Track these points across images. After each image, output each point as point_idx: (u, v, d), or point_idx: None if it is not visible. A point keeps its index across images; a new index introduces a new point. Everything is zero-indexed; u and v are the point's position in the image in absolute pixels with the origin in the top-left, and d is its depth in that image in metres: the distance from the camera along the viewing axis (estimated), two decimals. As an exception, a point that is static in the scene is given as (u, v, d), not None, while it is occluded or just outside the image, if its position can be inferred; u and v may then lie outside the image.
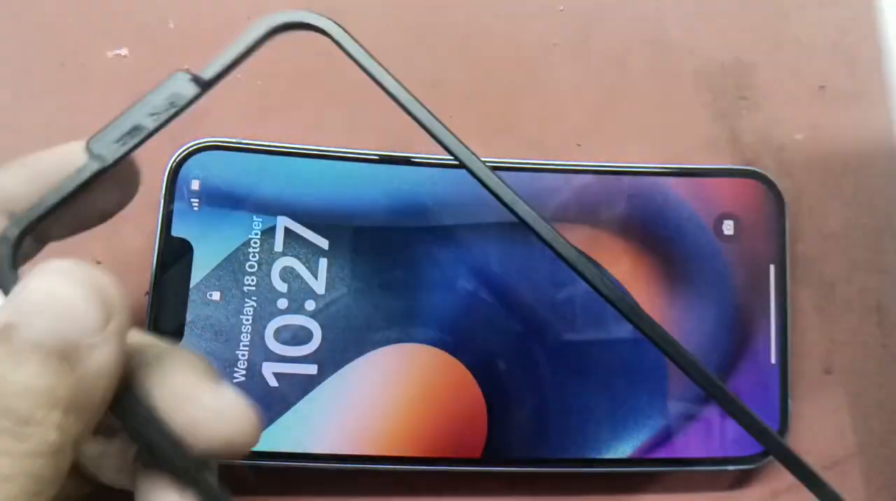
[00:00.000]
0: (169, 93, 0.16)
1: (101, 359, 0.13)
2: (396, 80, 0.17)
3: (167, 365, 0.15)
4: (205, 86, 0.17)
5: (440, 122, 0.17)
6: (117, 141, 0.16)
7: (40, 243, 0.17)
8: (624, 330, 0.25)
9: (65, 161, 0.15)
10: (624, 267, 0.25)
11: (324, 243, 0.24)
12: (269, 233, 0.24)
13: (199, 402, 0.15)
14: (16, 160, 0.16)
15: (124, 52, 0.26)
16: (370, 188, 0.24)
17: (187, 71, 0.16)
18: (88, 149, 0.16)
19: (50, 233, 0.16)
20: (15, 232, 0.15)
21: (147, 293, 0.23)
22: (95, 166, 0.16)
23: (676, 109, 0.27)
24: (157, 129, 0.16)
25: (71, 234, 0.17)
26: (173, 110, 0.16)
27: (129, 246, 0.25)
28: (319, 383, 0.23)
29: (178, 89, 0.16)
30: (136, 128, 0.16)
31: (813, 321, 0.27)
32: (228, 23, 0.26)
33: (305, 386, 0.23)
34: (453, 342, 0.24)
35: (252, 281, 0.24)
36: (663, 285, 0.25)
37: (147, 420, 0.15)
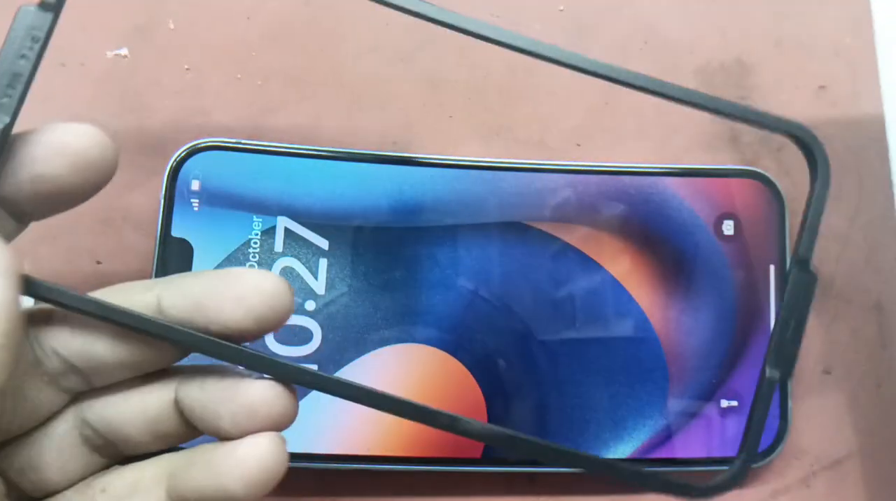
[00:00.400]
0: (24, 30, 0.15)
1: None
2: None
3: (188, 275, 0.17)
4: (56, 8, 0.16)
5: None
6: (3, 95, 0.15)
7: (21, 223, 0.17)
8: (624, 329, 0.25)
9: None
10: (624, 267, 0.25)
11: (324, 243, 0.24)
12: (269, 233, 0.24)
13: (238, 278, 0.16)
14: None
15: (124, 52, 0.26)
16: (370, 188, 0.24)
17: (30, 2, 0.16)
18: None
19: (25, 212, 0.16)
20: None
21: (147, 293, 0.23)
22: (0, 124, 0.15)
23: (676, 109, 0.27)
24: (34, 70, 0.15)
25: (43, 214, 0.17)
26: (38, 44, 0.15)
27: (129, 246, 0.25)
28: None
29: (31, 22, 0.15)
30: (14, 76, 0.15)
31: (813, 321, 0.27)
32: (228, 23, 0.26)
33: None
34: (453, 342, 0.24)
35: (252, 281, 0.24)
36: (663, 285, 0.25)
37: (191, 333, 0.16)
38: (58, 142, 0.16)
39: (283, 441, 0.17)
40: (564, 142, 0.27)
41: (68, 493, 0.17)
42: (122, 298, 0.16)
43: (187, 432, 0.17)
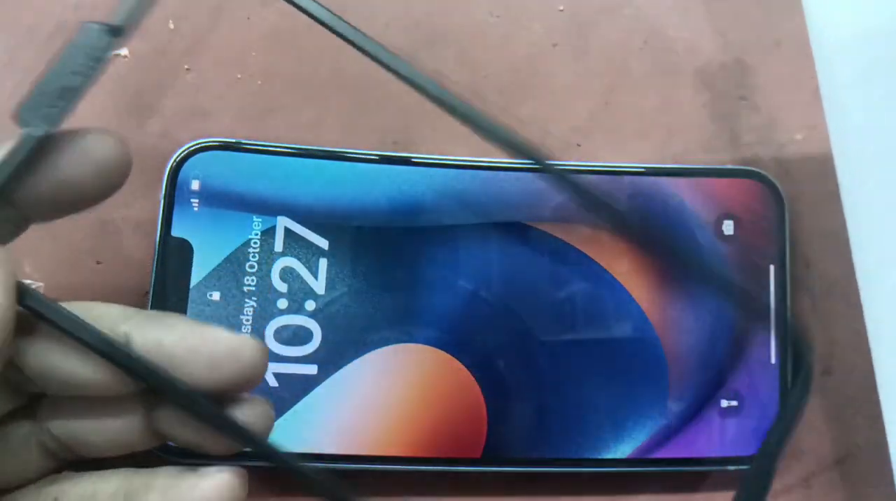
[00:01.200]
0: (86, 48, 0.15)
1: None
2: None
3: (165, 318, 0.16)
4: (121, 33, 0.16)
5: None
6: (50, 106, 0.15)
7: (20, 226, 0.16)
8: (624, 330, 0.25)
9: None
10: (624, 267, 0.25)
11: (324, 243, 0.24)
12: (269, 233, 0.24)
13: (216, 341, 0.16)
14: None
15: (124, 52, 0.26)
16: (370, 188, 0.24)
17: (95, 21, 0.16)
18: (20, 118, 0.15)
19: (29, 214, 0.16)
20: None
21: (147, 293, 0.23)
22: (36, 133, 0.15)
23: (676, 109, 0.27)
24: (86, 86, 0.15)
25: (55, 216, 0.17)
26: (97, 64, 0.16)
27: (129, 246, 0.25)
28: (319, 383, 0.23)
29: (93, 42, 0.16)
30: (64, 90, 0.15)
31: (813, 321, 0.27)
32: (229, 23, 0.26)
33: (305, 386, 0.23)
34: (453, 342, 0.24)
35: (252, 281, 0.24)
36: (663, 285, 0.25)
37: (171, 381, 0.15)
38: (83, 149, 0.16)
39: (245, 476, 0.16)
40: (564, 142, 0.27)
41: (16, 495, 0.17)
42: (95, 319, 0.16)
43: (154, 441, 0.17)
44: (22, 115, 0.15)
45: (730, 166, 0.27)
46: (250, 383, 0.16)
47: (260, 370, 0.16)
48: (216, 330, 0.16)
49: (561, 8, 0.28)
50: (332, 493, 0.16)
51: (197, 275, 0.23)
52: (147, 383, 0.16)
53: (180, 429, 0.16)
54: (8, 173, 0.15)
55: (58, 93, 0.15)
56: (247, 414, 0.16)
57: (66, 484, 0.17)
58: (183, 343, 0.16)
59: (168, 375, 0.16)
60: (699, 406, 0.25)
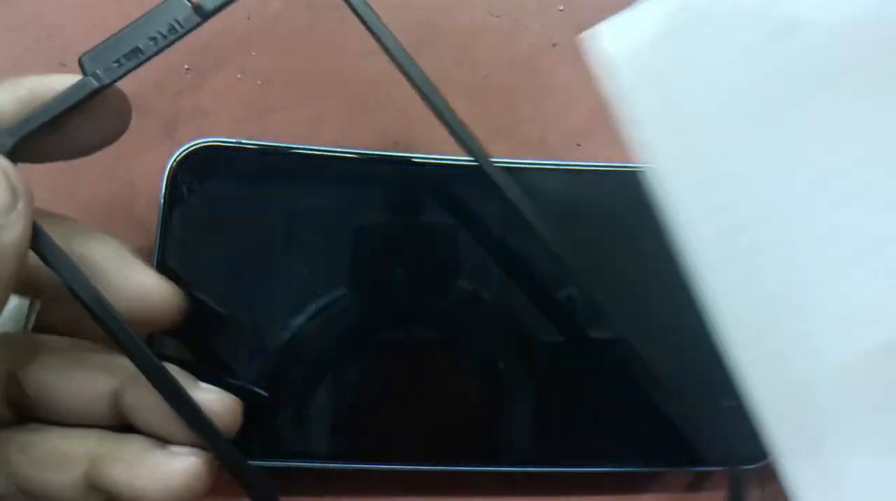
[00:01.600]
0: (170, 18, 0.16)
1: (12, 236, 0.15)
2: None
3: (105, 248, 0.17)
4: (206, 16, 0.16)
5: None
6: (115, 61, 0.16)
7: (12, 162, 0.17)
8: (624, 330, 0.25)
9: (59, 87, 0.16)
10: (624, 268, 0.25)
11: (323, 243, 0.24)
12: (268, 232, 0.24)
13: (132, 275, 0.17)
14: (7, 78, 0.16)
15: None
16: (370, 188, 0.24)
17: None
18: (82, 65, 0.15)
19: (26, 154, 0.16)
20: (9, 143, 0.15)
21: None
22: (94, 84, 0.15)
23: (676, 109, 0.27)
24: (155, 54, 0.16)
25: (47, 160, 0.17)
26: (173, 37, 0.16)
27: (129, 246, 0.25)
28: (319, 383, 0.23)
29: (178, 15, 0.16)
30: (135, 51, 0.16)
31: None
32: (229, 23, 0.26)
33: (304, 386, 0.23)
34: (453, 342, 0.24)
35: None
36: (663, 285, 0.25)
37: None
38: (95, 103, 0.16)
39: (214, 463, 0.17)
40: (564, 142, 0.27)
41: None
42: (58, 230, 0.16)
43: (115, 420, 0.17)
44: (84, 63, 0.15)
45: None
46: (159, 323, 0.17)
47: (166, 312, 0.17)
48: (138, 269, 0.17)
49: (561, 8, 0.28)
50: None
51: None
52: (112, 338, 0.16)
53: (144, 411, 0.16)
54: (56, 113, 0.15)
55: (127, 52, 0.16)
56: (210, 402, 0.17)
57: (34, 436, 0.17)
58: (112, 271, 0.17)
59: (138, 341, 0.16)
60: (699, 406, 0.25)
